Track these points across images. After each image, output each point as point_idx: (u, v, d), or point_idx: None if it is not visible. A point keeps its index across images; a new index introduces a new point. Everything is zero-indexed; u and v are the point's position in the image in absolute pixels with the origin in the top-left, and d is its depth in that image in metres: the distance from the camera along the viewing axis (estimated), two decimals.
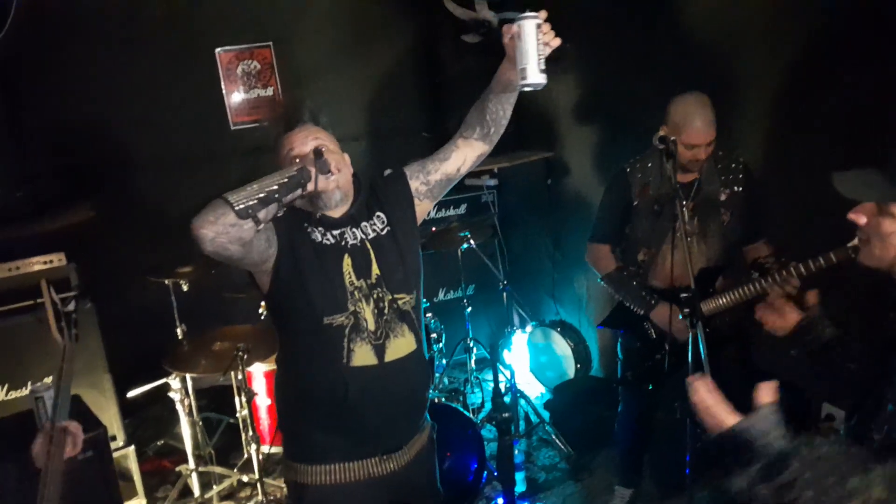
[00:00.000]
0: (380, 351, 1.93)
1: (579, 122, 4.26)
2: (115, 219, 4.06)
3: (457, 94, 4.71)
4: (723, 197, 2.79)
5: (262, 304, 3.45)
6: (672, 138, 2.58)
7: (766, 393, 1.45)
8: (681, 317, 2.70)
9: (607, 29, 3.88)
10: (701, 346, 2.62)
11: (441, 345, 4.01)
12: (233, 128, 4.51)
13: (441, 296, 4.67)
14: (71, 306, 1.99)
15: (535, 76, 1.69)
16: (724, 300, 2.68)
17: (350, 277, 1.92)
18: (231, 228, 1.65)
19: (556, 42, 1.74)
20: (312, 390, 1.96)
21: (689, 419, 2.85)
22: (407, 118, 4.90)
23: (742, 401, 2.93)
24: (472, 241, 3.98)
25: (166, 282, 3.51)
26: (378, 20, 4.76)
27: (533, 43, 1.68)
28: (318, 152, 1.79)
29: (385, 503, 2.04)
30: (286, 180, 1.73)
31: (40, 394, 2.42)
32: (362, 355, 1.92)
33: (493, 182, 4.39)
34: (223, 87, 4.47)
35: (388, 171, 4.32)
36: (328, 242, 1.94)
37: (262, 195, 1.68)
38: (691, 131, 2.63)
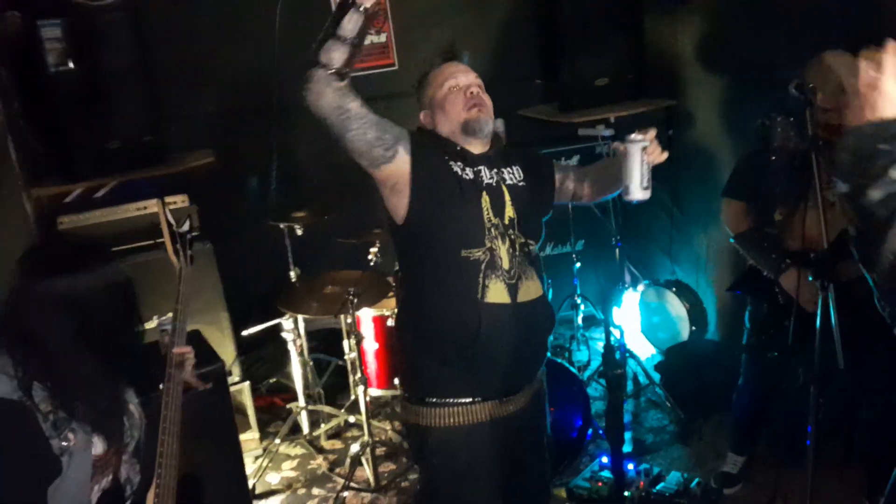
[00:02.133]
0: (513, 290, 1.96)
1: (707, 70, 3.97)
2: (233, 164, 4.19)
3: (571, 39, 4.50)
4: None
5: (371, 251, 3.47)
6: (810, 85, 2.38)
7: None
8: (810, 278, 2.51)
9: None
10: (832, 312, 2.42)
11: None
12: None
13: (549, 250, 4.56)
14: (185, 226, 1.96)
15: (637, 194, 1.91)
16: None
17: (488, 214, 1.97)
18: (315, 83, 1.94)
19: (663, 157, 1.93)
20: (445, 324, 1.99)
21: (813, 386, 2.67)
22: (520, 64, 4.75)
23: (887, 377, 2.68)
24: None
25: (281, 226, 3.60)
26: None
27: (637, 165, 1.86)
28: None
29: (502, 446, 2.06)
30: (333, 11, 1.90)
31: (165, 326, 2.57)
32: (496, 292, 1.94)
33: (608, 132, 4.15)
34: None
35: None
36: (468, 177, 1.99)
37: (320, 38, 1.92)
38: (824, 96, 2.42)
